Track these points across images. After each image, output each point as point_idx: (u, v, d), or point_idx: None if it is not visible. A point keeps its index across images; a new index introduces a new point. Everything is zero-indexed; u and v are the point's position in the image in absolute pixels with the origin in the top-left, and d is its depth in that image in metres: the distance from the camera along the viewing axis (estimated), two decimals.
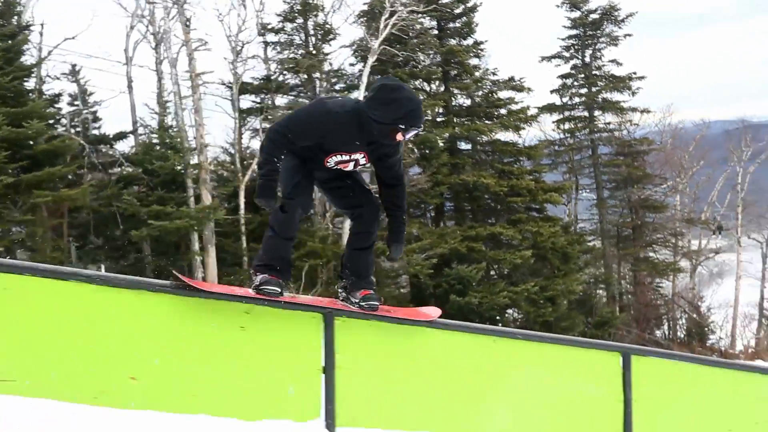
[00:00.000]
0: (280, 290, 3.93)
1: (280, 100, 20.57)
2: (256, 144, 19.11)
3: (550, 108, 29.09)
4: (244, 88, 19.51)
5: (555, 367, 5.14)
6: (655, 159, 29.96)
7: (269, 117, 18.92)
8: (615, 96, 28.61)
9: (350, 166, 3.91)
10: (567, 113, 29.25)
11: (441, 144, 21.97)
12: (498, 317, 20.58)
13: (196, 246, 16.87)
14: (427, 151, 21.09)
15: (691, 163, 32.55)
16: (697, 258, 32.23)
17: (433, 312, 4.69)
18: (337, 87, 21.63)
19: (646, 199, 28.89)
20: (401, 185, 4.12)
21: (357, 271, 4.14)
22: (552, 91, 29.17)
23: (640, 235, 29.09)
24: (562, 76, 28.93)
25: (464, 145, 24.00)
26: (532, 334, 5.10)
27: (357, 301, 4.13)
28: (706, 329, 29.25)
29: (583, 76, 28.79)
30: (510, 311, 22.71)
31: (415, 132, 3.79)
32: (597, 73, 28.82)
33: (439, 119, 22.43)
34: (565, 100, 29.16)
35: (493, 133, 23.59)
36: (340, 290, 4.24)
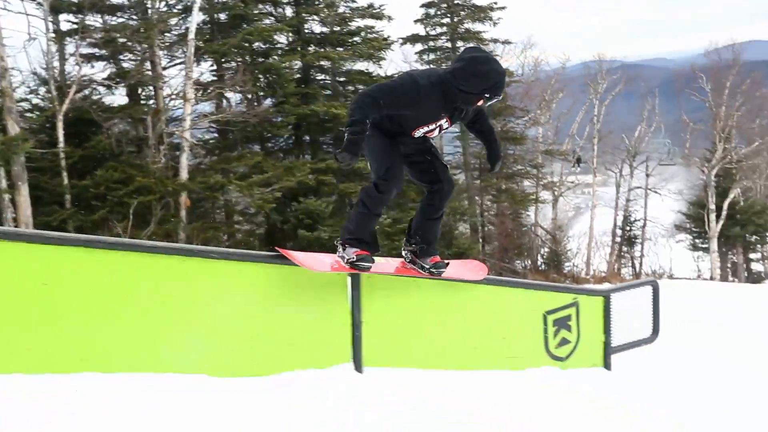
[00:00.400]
0: (371, 264, 4.28)
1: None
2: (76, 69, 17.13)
3: (413, 38, 28.51)
4: (60, 7, 17.35)
5: (273, 289, 4.51)
6: (516, 91, 30.23)
7: (88, 39, 17.00)
8: (477, 26, 28.38)
9: (435, 133, 4.14)
10: (430, 44, 28.79)
11: (291, 73, 20.84)
12: None
13: (3, 183, 15.08)
14: (274, 77, 19.94)
15: (552, 96, 33.17)
16: (558, 189, 33.31)
17: (480, 271, 4.96)
18: (174, 9, 19.81)
19: (507, 131, 29.18)
20: (483, 115, 4.41)
21: (428, 239, 4.43)
22: (415, 21, 28.54)
23: (502, 167, 29.48)
24: (425, 5, 28.25)
25: (320, 75, 23.02)
26: (232, 252, 4.39)
27: (428, 267, 4.46)
28: (563, 257, 30.50)
29: (445, 5, 28.24)
30: None
31: (496, 100, 4.00)
32: (459, 2, 28.33)
33: (288, 47, 21.19)
34: (428, 30, 28.62)
35: (352, 63, 22.74)
36: (406, 253, 4.53)
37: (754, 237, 30.41)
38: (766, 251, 31.89)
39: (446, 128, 4.14)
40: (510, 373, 5.35)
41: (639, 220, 33.39)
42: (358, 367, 4.71)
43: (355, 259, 4.20)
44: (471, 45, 4.22)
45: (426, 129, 4.06)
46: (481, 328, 5.24)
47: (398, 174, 4.11)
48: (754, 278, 29.82)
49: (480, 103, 3.94)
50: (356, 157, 3.74)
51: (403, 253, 4.56)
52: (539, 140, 32.65)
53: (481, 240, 29.44)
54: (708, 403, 5.74)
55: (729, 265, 32.59)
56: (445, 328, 5.07)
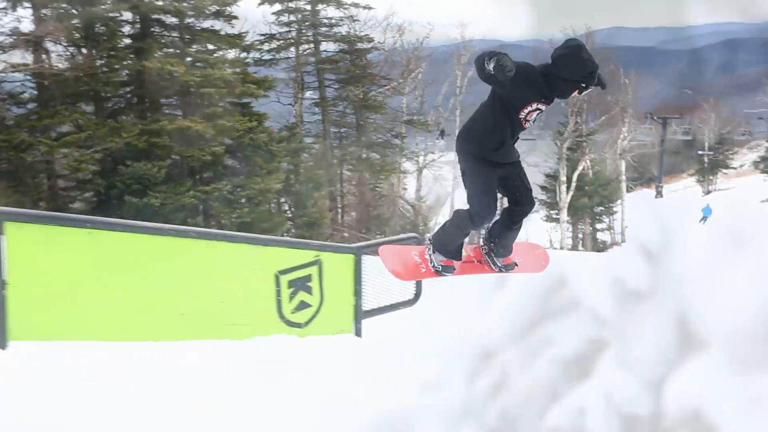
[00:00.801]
0: (451, 273, 4.97)
1: None
2: None
3: None
4: None
5: None
6: (378, 59, 29.62)
7: None
8: None
9: (534, 115, 4.41)
10: (290, 5, 27.50)
11: (121, 24, 19.00)
12: (190, 219, 18.84)
13: None
14: (100, 29, 18.06)
15: (417, 65, 32.85)
16: (423, 160, 33.25)
17: (543, 261, 5.17)
18: None
19: (367, 99, 28.57)
20: None
21: (504, 244, 4.98)
22: None
23: (362, 136, 28.92)
24: None
25: (163, 31, 21.22)
26: None
27: (500, 265, 5.01)
28: (422, 228, 30.50)
29: None
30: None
31: (590, 91, 4.30)
32: None
33: None
34: None
35: (200, 20, 21.16)
36: (484, 246, 5.05)
37: (600, 208, 31.84)
38: (612, 221, 33.53)
39: (543, 110, 4.46)
40: (230, 343, 4.57)
41: None
42: (1, 342, 3.73)
43: (441, 269, 4.86)
44: (572, 37, 5.09)
45: (530, 108, 4.36)
46: (190, 291, 4.40)
47: (493, 210, 4.60)
48: (600, 247, 31.27)
49: (575, 93, 4.28)
50: (512, 68, 3.89)
51: (482, 245, 5.14)
52: (403, 110, 32.30)
53: (340, 210, 28.83)
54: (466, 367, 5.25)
55: (580, 236, 34.04)
56: (136, 291, 4.18)
